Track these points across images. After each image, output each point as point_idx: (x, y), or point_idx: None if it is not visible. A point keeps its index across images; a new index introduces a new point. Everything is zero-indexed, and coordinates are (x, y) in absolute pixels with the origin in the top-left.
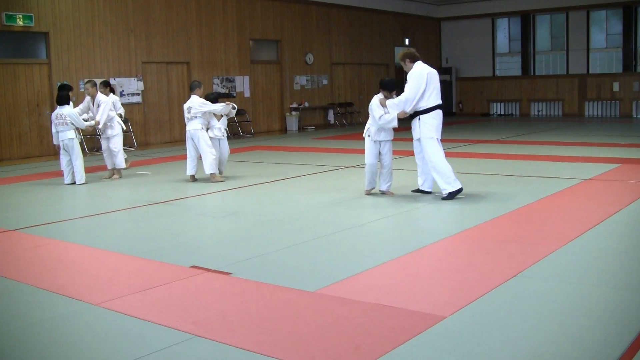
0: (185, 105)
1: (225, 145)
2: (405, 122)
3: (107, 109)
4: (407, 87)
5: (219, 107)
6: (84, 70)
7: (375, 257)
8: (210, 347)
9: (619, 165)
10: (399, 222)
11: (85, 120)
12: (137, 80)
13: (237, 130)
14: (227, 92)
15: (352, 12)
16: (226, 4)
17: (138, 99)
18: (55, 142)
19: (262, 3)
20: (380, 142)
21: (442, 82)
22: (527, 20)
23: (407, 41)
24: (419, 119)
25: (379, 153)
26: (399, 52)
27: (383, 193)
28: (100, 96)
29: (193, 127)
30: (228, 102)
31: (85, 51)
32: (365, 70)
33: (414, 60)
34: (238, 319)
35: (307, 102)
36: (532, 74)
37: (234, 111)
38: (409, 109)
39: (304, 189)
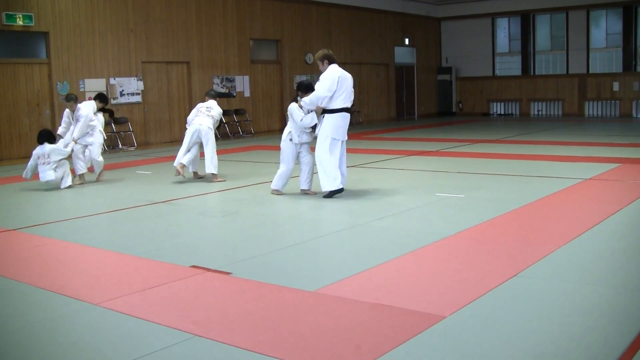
0: (205, 104)
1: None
2: (398, 124)
3: (84, 125)
4: (318, 86)
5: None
6: (84, 70)
7: (375, 257)
8: (210, 346)
9: (619, 165)
10: (399, 222)
11: (67, 139)
12: (137, 80)
13: (237, 130)
14: (227, 91)
15: (352, 11)
16: (226, 3)
17: (138, 98)
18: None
19: (262, 3)
20: (301, 144)
21: (442, 82)
22: (527, 20)
23: (407, 41)
24: (324, 117)
25: (298, 153)
26: (318, 52)
27: (305, 193)
28: (82, 109)
29: (207, 124)
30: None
31: (85, 51)
32: (365, 69)
33: (331, 62)
34: (238, 319)
35: None
36: (532, 73)
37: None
38: (322, 104)
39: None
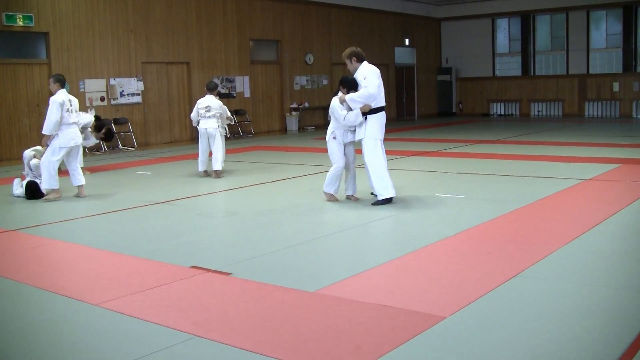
0: (203, 103)
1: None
2: (398, 124)
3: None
4: (368, 83)
5: (225, 117)
6: (84, 70)
7: (375, 257)
8: (210, 347)
9: (619, 166)
10: (399, 222)
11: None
12: (137, 80)
13: (237, 130)
14: (227, 92)
15: (352, 12)
16: (226, 4)
17: (138, 99)
18: None
19: (262, 3)
20: (345, 144)
21: (442, 82)
22: (527, 20)
23: (407, 41)
24: (366, 118)
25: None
26: (346, 50)
27: (349, 198)
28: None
29: (211, 125)
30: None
31: (85, 51)
32: None
33: (361, 59)
34: (238, 319)
35: (307, 102)
36: (532, 74)
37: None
38: (373, 104)
39: (304, 189)
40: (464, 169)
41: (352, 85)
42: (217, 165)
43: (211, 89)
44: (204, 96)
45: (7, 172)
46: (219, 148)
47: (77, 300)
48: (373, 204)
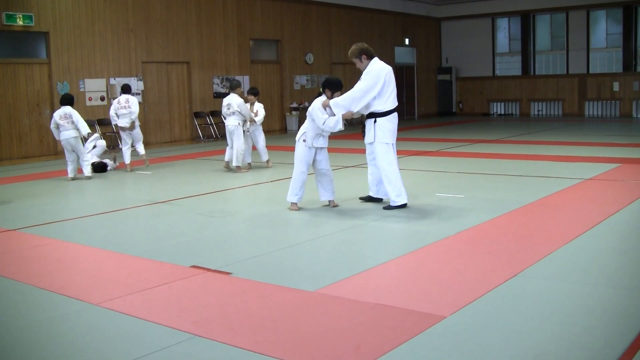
0: (225, 102)
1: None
2: (398, 124)
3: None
4: (358, 84)
5: (247, 114)
6: (84, 70)
7: (375, 257)
8: (210, 347)
9: (619, 165)
10: (399, 222)
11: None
12: (137, 80)
13: None
14: (227, 92)
15: (352, 12)
16: (226, 3)
17: (138, 98)
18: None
19: (262, 3)
20: (316, 148)
21: (442, 82)
22: (527, 20)
23: (407, 41)
24: (375, 121)
25: (314, 160)
26: (352, 48)
27: (327, 205)
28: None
29: (231, 123)
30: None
31: (85, 51)
32: None
33: (370, 57)
34: (238, 319)
35: (307, 102)
36: (532, 73)
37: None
38: (356, 109)
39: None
40: (464, 168)
41: (337, 87)
42: (235, 160)
43: (232, 88)
44: (227, 94)
45: (7, 172)
46: (237, 145)
47: (78, 300)
48: (385, 208)
